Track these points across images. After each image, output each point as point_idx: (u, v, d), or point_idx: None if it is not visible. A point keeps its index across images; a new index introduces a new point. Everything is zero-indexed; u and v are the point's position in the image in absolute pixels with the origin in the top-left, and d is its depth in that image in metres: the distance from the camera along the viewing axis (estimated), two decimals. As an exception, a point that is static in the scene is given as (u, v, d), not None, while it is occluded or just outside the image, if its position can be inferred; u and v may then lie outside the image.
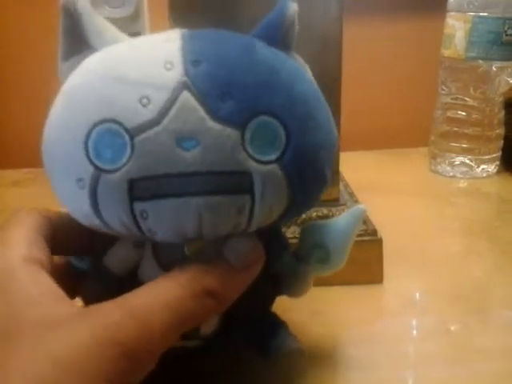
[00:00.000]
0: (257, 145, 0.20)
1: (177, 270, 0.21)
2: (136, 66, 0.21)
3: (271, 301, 0.27)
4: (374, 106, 0.68)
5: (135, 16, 0.43)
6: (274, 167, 0.21)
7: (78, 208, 0.22)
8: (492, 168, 0.58)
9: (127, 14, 0.43)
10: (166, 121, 0.20)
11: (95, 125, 0.20)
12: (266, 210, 0.21)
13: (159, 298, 0.20)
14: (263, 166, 0.21)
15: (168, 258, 0.23)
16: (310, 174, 0.22)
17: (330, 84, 0.36)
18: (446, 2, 0.56)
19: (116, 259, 0.25)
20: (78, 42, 0.23)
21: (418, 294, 0.37)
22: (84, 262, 0.26)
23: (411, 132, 0.65)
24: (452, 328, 0.32)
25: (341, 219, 0.27)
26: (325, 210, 0.37)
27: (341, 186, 0.40)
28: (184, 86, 0.20)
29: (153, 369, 0.20)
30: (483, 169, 0.58)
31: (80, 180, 0.21)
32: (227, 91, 0.20)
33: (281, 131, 0.21)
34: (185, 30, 0.22)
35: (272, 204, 0.21)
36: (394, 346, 0.31)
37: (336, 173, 0.38)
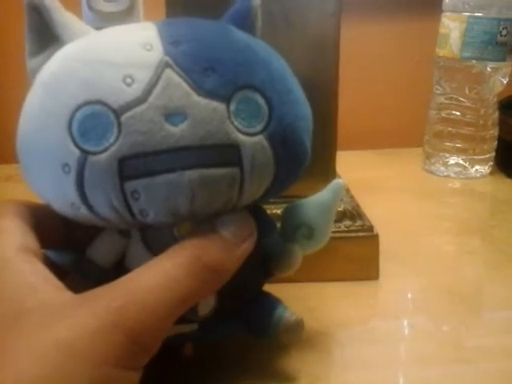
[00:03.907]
0: (242, 118, 0.21)
1: (174, 248, 0.21)
2: (116, 49, 0.21)
3: (262, 281, 0.27)
4: (369, 105, 0.68)
5: (130, 10, 0.43)
6: (259, 138, 0.22)
7: (63, 197, 0.21)
8: (486, 169, 0.58)
9: (122, 7, 0.43)
10: (151, 98, 0.20)
11: (78, 107, 0.20)
12: (254, 182, 0.22)
13: (160, 279, 0.20)
14: (250, 137, 0.21)
15: (158, 243, 0.23)
16: (292, 144, 0.23)
17: (327, 84, 0.36)
18: (441, 2, 0.56)
19: (101, 250, 0.24)
20: (46, 37, 0.23)
21: (413, 292, 0.36)
22: (62, 257, 0.26)
23: (406, 132, 0.65)
24: (446, 327, 0.32)
25: (321, 196, 0.27)
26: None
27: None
28: (166, 64, 0.20)
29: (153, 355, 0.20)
30: (477, 169, 0.58)
31: (65, 165, 0.20)
32: (209, 66, 0.21)
33: (263, 104, 0.22)
34: (159, 21, 0.23)
35: (260, 176, 0.22)
36: (388, 344, 0.31)
37: (332, 171, 0.38)
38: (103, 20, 0.43)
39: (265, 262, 0.27)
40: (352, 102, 0.53)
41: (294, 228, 0.27)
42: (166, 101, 0.20)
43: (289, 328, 0.26)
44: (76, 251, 0.25)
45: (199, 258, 0.21)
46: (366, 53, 0.66)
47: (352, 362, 0.29)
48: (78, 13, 0.43)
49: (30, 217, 0.23)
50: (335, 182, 0.27)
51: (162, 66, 0.20)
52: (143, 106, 0.20)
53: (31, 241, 0.22)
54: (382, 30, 0.67)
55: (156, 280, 0.20)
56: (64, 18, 0.23)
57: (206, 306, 0.24)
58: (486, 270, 0.40)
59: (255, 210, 0.24)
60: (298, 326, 0.26)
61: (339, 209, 0.37)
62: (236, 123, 0.21)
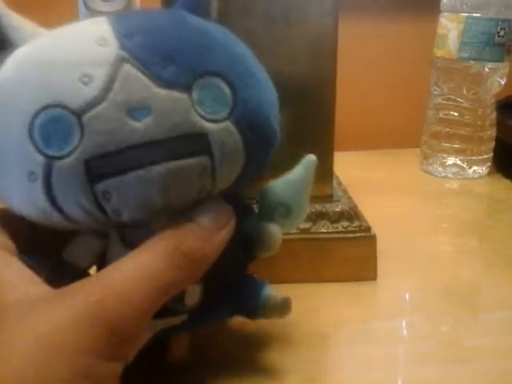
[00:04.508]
0: (206, 105, 0.21)
1: (152, 240, 0.21)
2: (69, 48, 0.21)
3: (245, 265, 0.28)
4: (366, 106, 0.68)
5: (127, 10, 0.43)
6: (226, 124, 0.21)
7: (33, 205, 0.21)
8: (483, 169, 0.58)
9: (119, 7, 0.43)
10: (111, 95, 0.20)
11: (37, 113, 0.20)
12: (226, 169, 0.22)
13: (139, 270, 0.20)
14: (216, 124, 0.21)
15: (138, 241, 0.22)
16: (259, 127, 0.23)
17: (325, 83, 0.36)
18: (439, 2, 0.56)
19: (79, 252, 0.24)
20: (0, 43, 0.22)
21: (411, 292, 0.36)
22: (31, 260, 0.25)
23: (404, 132, 0.65)
24: (443, 327, 0.32)
25: (294, 173, 0.27)
26: (318, 207, 0.36)
27: (334, 184, 0.39)
28: (123, 59, 0.20)
29: (143, 349, 0.20)
30: (474, 170, 0.58)
31: (31, 173, 0.20)
32: (167, 56, 0.21)
33: (226, 88, 0.21)
34: (111, 14, 0.22)
35: (231, 161, 0.22)
36: (386, 345, 0.31)
37: (329, 170, 0.38)
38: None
39: (246, 245, 0.27)
40: (350, 102, 0.53)
41: (271, 208, 0.27)
42: (126, 96, 0.20)
43: (277, 306, 0.26)
44: (49, 256, 0.25)
45: (177, 247, 0.21)
46: (363, 53, 0.66)
47: (349, 363, 0.29)
48: (74, 12, 0.43)
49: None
50: (307, 157, 0.27)
51: (119, 61, 0.20)
52: (103, 105, 0.19)
53: (5, 239, 0.22)
54: (380, 30, 0.66)
55: (135, 272, 0.20)
56: (14, 21, 0.22)
57: (193, 296, 0.24)
58: (484, 271, 0.40)
59: (232, 197, 0.24)
60: (285, 303, 0.27)
61: (337, 209, 0.37)
62: (200, 111, 0.21)
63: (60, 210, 0.21)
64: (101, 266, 0.24)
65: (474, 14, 0.53)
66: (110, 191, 0.20)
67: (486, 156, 0.58)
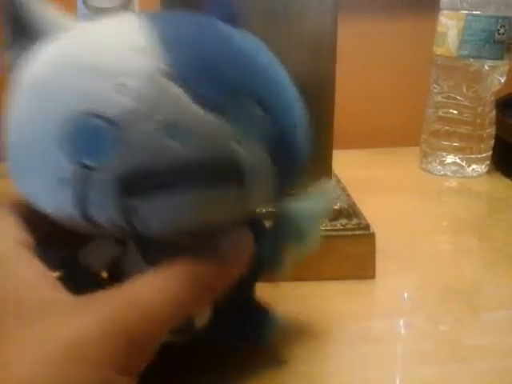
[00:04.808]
0: (242, 131, 0.20)
1: (174, 262, 0.21)
2: (107, 54, 0.20)
3: (253, 285, 0.28)
4: (365, 104, 0.68)
5: (125, 6, 0.43)
6: (260, 151, 0.21)
7: (61, 210, 0.21)
8: (482, 168, 0.58)
9: (118, 3, 0.43)
10: (149, 110, 0.19)
11: (71, 120, 0.19)
12: (256, 197, 0.21)
13: (160, 288, 0.20)
14: (250, 151, 0.20)
15: (154, 253, 0.22)
16: (292, 153, 0.22)
17: (324, 82, 0.36)
18: (438, 0, 0.56)
19: (96, 256, 0.24)
20: (24, 29, 0.21)
21: (410, 291, 0.36)
22: (46, 254, 0.25)
23: (403, 131, 0.65)
24: (443, 326, 0.32)
25: (312, 200, 0.27)
26: (317, 204, 0.36)
27: (333, 182, 0.39)
28: (163, 72, 0.19)
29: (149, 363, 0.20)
30: (474, 168, 0.58)
31: (61, 180, 0.19)
32: (210, 77, 0.20)
33: (263, 115, 0.21)
34: (148, 16, 0.21)
35: (262, 189, 0.21)
36: (385, 344, 0.31)
37: (328, 168, 0.38)
38: (98, 16, 0.42)
39: (257, 267, 0.26)
40: (349, 100, 0.53)
41: (286, 233, 0.27)
42: (164, 113, 0.19)
43: (280, 333, 0.27)
44: (63, 253, 0.24)
45: (196, 275, 0.21)
46: (362, 51, 0.66)
47: (347, 361, 0.29)
48: (73, 8, 0.43)
49: (21, 212, 0.23)
50: (324, 188, 0.28)
51: (159, 75, 0.19)
52: (141, 120, 0.19)
53: (27, 236, 0.22)
54: (380, 28, 0.66)
55: (157, 289, 0.20)
56: (42, 8, 0.22)
57: (203, 318, 0.24)
58: (483, 269, 0.40)
59: (253, 220, 0.24)
60: (288, 330, 0.27)
61: (335, 207, 0.36)
62: (236, 137, 0.20)
63: (88, 218, 0.20)
64: (112, 270, 0.24)
65: (474, 12, 0.53)
66: (140, 208, 0.20)
67: (485, 154, 0.58)
